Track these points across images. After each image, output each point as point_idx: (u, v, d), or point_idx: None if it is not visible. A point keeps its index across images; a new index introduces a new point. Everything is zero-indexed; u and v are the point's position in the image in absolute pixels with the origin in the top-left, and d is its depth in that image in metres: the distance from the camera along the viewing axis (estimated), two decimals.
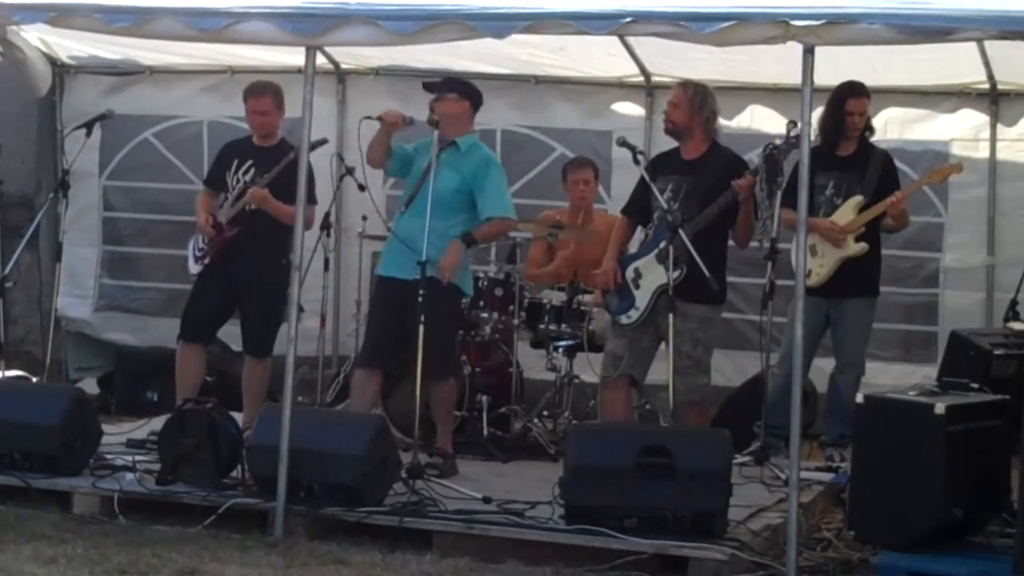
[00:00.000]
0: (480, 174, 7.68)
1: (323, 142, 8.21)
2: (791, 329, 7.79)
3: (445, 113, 7.61)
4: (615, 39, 8.76)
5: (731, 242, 7.73)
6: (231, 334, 8.77)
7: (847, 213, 8.21)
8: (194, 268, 8.47)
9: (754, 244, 7.77)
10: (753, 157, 8.45)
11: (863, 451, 6.54)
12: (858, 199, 8.22)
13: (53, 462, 7.14)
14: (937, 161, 9.16)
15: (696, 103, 7.62)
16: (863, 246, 8.20)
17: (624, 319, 7.64)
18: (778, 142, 7.44)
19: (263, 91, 8.43)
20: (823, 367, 8.52)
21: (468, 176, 7.66)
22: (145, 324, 10.60)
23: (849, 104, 8.22)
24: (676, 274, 7.37)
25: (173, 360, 8.47)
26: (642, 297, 7.58)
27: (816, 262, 8.11)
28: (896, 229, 8.46)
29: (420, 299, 7.11)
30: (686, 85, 7.77)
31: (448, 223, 7.53)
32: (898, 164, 8.97)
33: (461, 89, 7.82)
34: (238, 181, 8.37)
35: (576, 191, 9.10)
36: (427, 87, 7.85)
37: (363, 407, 7.72)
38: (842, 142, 8.29)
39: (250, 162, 8.36)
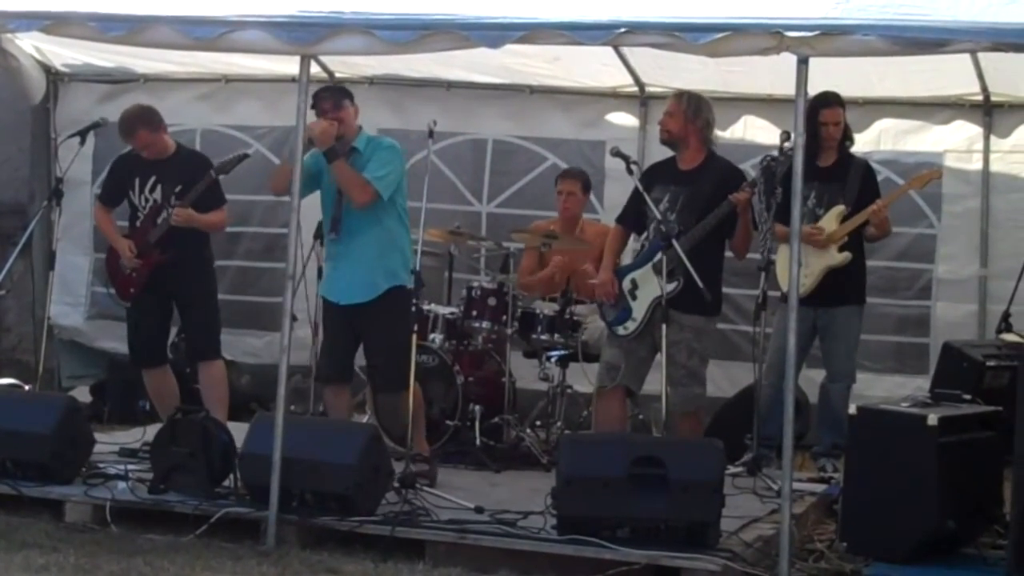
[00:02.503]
0: (373, 155, 7.50)
1: (245, 156, 8.29)
2: (777, 339, 7.84)
3: (348, 122, 7.48)
4: (609, 49, 8.74)
5: (728, 253, 7.73)
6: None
7: (829, 223, 8.22)
8: (123, 299, 8.38)
9: (753, 255, 7.75)
10: (748, 168, 8.46)
11: (856, 462, 6.55)
12: (840, 209, 8.23)
13: (45, 470, 7.12)
14: None
15: (690, 113, 7.61)
16: (846, 255, 8.20)
17: (621, 330, 7.62)
18: (775, 155, 7.43)
19: (126, 135, 8.22)
20: (814, 378, 8.52)
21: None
22: None
23: (823, 115, 8.22)
24: (673, 286, 7.37)
25: None
26: (639, 308, 7.56)
27: (800, 272, 8.09)
28: (878, 238, 8.46)
29: (413, 309, 7.22)
30: (680, 95, 7.75)
31: (370, 235, 7.48)
32: (892, 175, 9.00)
33: (348, 94, 7.66)
34: (146, 200, 8.21)
35: (560, 201, 9.10)
36: (316, 105, 7.46)
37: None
38: (821, 153, 8.29)
39: (153, 178, 8.20)
